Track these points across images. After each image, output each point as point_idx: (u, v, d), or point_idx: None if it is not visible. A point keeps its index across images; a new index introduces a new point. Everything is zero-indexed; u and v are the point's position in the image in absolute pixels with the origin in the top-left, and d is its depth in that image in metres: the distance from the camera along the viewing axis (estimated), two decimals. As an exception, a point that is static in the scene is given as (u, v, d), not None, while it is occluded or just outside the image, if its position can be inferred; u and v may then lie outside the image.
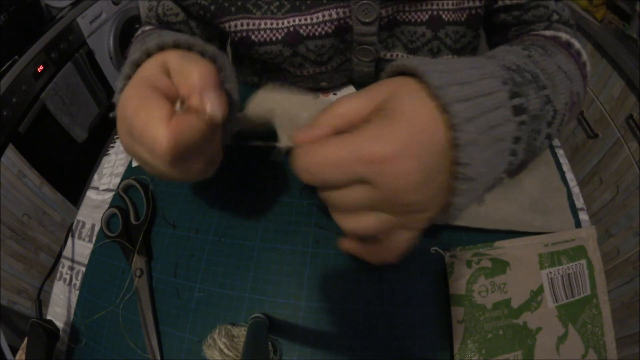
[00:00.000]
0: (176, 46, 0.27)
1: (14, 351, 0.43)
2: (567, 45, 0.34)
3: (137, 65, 0.27)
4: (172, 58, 0.25)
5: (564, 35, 0.35)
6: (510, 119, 0.22)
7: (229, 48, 0.67)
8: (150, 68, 0.26)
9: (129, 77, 0.27)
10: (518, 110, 0.23)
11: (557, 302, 0.34)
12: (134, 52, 0.29)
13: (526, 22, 0.39)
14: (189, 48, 0.28)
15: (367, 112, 0.22)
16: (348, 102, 0.22)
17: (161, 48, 0.27)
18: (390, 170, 0.19)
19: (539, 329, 0.33)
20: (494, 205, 0.36)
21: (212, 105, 0.23)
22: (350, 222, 0.23)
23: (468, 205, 0.22)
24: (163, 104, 0.22)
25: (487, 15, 0.41)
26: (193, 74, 0.24)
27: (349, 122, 0.22)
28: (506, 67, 0.25)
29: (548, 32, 0.36)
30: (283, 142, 0.33)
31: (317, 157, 0.20)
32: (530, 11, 0.39)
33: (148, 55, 0.27)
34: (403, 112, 0.20)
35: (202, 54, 0.28)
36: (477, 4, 0.39)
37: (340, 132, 0.22)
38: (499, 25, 0.42)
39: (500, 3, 0.39)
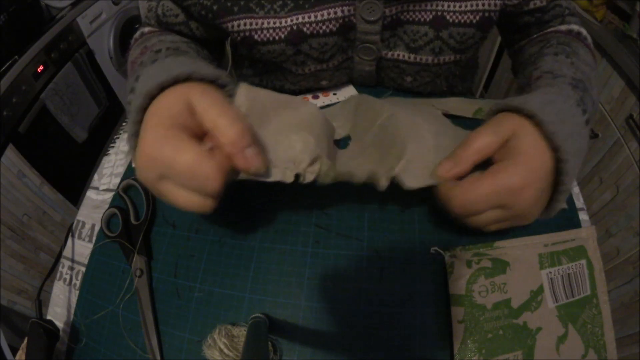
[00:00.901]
0: (175, 81, 0.27)
1: (14, 351, 0.43)
2: (578, 35, 0.42)
3: (144, 109, 0.27)
4: (196, 97, 0.26)
5: (575, 27, 0.43)
6: (586, 135, 0.30)
7: (228, 49, 0.67)
8: (173, 106, 0.26)
9: (139, 123, 0.27)
10: (587, 122, 0.31)
11: (557, 302, 0.34)
12: (138, 70, 0.30)
13: (546, 21, 0.45)
14: (187, 77, 0.28)
15: (497, 146, 0.28)
16: (482, 138, 0.28)
17: (175, 81, 0.27)
18: (521, 197, 0.27)
19: (539, 329, 0.33)
20: None
21: (254, 160, 0.25)
22: (479, 226, 0.30)
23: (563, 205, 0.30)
24: (199, 144, 0.24)
25: (509, 17, 0.45)
26: (227, 130, 0.25)
27: (484, 156, 0.28)
28: (572, 85, 0.32)
29: (563, 27, 0.44)
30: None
31: (472, 196, 0.27)
32: (550, 11, 0.44)
33: (162, 88, 0.27)
34: (526, 152, 0.27)
35: (203, 78, 0.29)
36: (493, 7, 0.40)
37: (476, 164, 0.28)
38: (522, 25, 0.47)
39: (525, 7, 0.43)
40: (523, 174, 0.26)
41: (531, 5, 0.43)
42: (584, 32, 0.43)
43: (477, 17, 0.40)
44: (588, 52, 0.40)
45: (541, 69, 0.36)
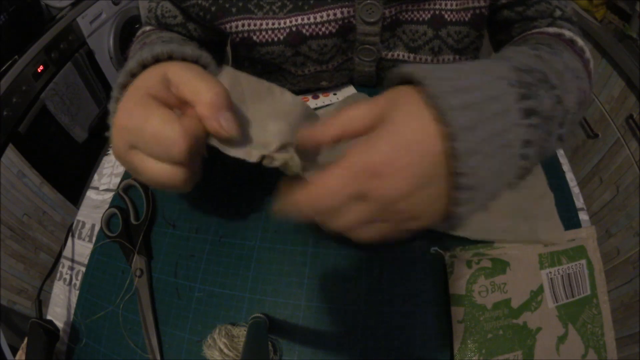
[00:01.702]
0: (170, 57, 0.27)
1: (14, 351, 0.43)
2: (571, 43, 0.34)
3: (132, 75, 0.27)
4: (174, 70, 0.25)
5: (567, 33, 0.35)
6: (518, 123, 0.22)
7: (229, 49, 0.67)
8: (149, 79, 0.26)
9: (124, 86, 0.27)
10: (528, 112, 0.22)
11: (557, 302, 0.34)
12: (131, 57, 0.29)
13: (529, 18, 0.39)
14: (183, 58, 0.28)
15: (369, 121, 0.22)
16: (352, 110, 0.22)
17: (157, 59, 0.27)
18: (381, 180, 0.19)
19: (539, 329, 0.33)
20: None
21: (228, 125, 0.24)
22: (353, 235, 0.23)
23: (472, 214, 0.22)
24: (168, 110, 0.23)
25: (491, 14, 0.41)
26: (204, 93, 0.24)
27: (349, 132, 0.22)
28: (515, 67, 0.24)
29: (551, 29, 0.36)
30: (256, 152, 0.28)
31: (322, 190, 0.20)
32: (533, 7, 0.39)
33: (143, 66, 0.27)
34: (393, 122, 0.20)
35: (196, 62, 0.28)
36: (482, 3, 0.39)
37: (344, 140, 0.22)
38: (503, 22, 0.42)
39: (503, 0, 0.39)
40: (387, 150, 0.19)
41: None
42: (579, 42, 0.34)
43: (469, 15, 0.39)
44: (578, 60, 0.32)
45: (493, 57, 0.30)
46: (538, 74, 0.25)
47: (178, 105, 0.25)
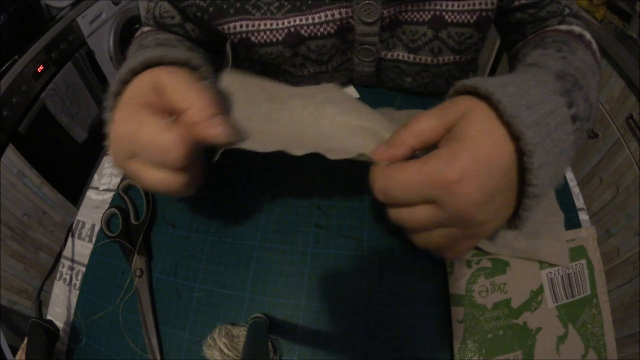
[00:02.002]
0: (161, 61, 0.27)
1: (14, 351, 0.43)
2: (580, 37, 0.37)
3: (124, 82, 0.27)
4: (164, 77, 0.26)
5: (576, 29, 0.38)
6: (570, 132, 0.24)
7: (228, 50, 0.67)
8: (140, 87, 0.26)
9: (117, 94, 0.27)
10: (574, 118, 0.25)
11: (557, 302, 0.34)
12: (123, 64, 0.30)
13: (541, 18, 0.41)
14: (173, 62, 0.28)
15: (441, 131, 0.23)
16: (424, 121, 0.24)
17: (147, 65, 0.27)
18: (457, 192, 0.21)
19: (539, 329, 0.33)
20: None
21: (223, 130, 0.24)
22: (420, 239, 0.25)
23: (533, 217, 0.23)
24: (161, 118, 0.24)
25: (502, 15, 0.42)
26: (195, 100, 0.24)
27: (424, 141, 0.24)
28: (556, 75, 0.26)
29: (563, 27, 0.39)
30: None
31: (395, 182, 0.22)
32: (545, 8, 0.40)
33: (134, 73, 0.27)
34: (471, 138, 0.21)
35: (187, 65, 0.29)
36: (489, 6, 0.39)
37: (416, 150, 0.24)
38: (515, 24, 0.43)
39: (516, 2, 0.40)
40: (461, 165, 0.21)
41: (522, 0, 0.40)
42: (587, 35, 0.37)
43: (475, 17, 0.39)
44: (590, 54, 0.34)
45: (524, 63, 0.32)
46: (571, 77, 0.27)
47: (170, 112, 0.25)
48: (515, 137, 0.21)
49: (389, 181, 0.23)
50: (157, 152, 0.23)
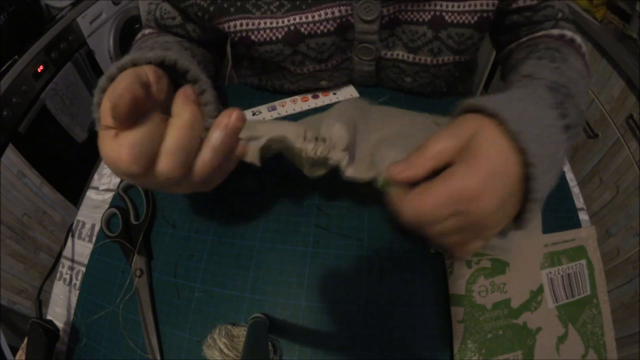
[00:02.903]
0: (148, 63, 0.27)
1: (14, 351, 0.43)
2: (571, 42, 0.40)
3: (111, 79, 0.26)
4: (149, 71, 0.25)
5: (568, 33, 0.40)
6: (563, 140, 0.27)
7: (228, 49, 0.67)
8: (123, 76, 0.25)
9: (104, 91, 0.26)
10: (566, 127, 0.28)
11: (557, 302, 0.34)
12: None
13: (536, 22, 0.42)
14: (161, 63, 0.28)
15: (457, 150, 0.25)
16: (441, 143, 0.25)
17: (135, 64, 0.27)
18: (479, 203, 0.23)
19: (539, 329, 0.33)
20: None
21: (235, 114, 0.24)
22: (438, 240, 0.26)
23: (534, 218, 0.26)
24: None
25: (498, 17, 0.42)
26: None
27: (442, 161, 0.25)
28: (549, 87, 0.30)
29: (555, 31, 0.41)
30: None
31: (426, 205, 0.24)
32: (540, 12, 0.42)
33: (122, 69, 0.26)
34: (486, 153, 0.24)
35: (185, 74, 0.29)
36: (490, 7, 0.39)
37: (434, 170, 0.25)
38: (510, 25, 0.44)
39: (514, 5, 0.41)
40: (481, 178, 0.23)
41: (520, 3, 0.41)
42: (578, 39, 0.40)
43: (475, 18, 0.40)
44: (580, 59, 0.37)
45: (520, 74, 0.34)
46: (564, 89, 0.30)
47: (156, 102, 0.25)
48: (520, 150, 0.23)
49: (421, 206, 0.24)
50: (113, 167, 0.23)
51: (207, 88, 0.31)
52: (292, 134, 0.29)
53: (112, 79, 0.25)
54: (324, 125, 0.31)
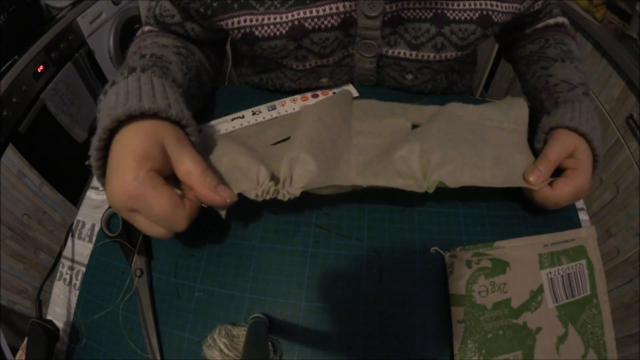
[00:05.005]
0: (142, 114, 0.29)
1: (14, 351, 0.43)
2: (564, 27, 0.50)
3: (110, 130, 0.29)
4: (170, 145, 0.30)
5: (560, 19, 0.50)
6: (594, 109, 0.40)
7: (229, 49, 0.67)
8: (144, 141, 0.29)
9: (102, 140, 0.29)
10: (591, 101, 0.40)
11: (557, 302, 0.34)
12: (115, 92, 0.31)
13: (539, 18, 0.49)
14: (155, 114, 0.30)
15: (564, 158, 0.37)
16: (556, 154, 0.37)
17: (130, 117, 0.29)
18: (585, 191, 0.37)
19: (539, 329, 0.33)
20: (462, 160, 0.35)
21: (230, 196, 0.31)
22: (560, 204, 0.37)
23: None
24: (172, 191, 0.28)
25: (510, 20, 0.45)
26: (201, 179, 0.30)
27: (557, 165, 0.37)
28: (585, 94, 0.41)
29: (552, 21, 0.50)
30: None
31: (563, 198, 0.36)
32: (543, 10, 0.48)
33: (119, 122, 0.29)
34: (586, 162, 0.37)
35: (168, 117, 0.31)
36: (491, 7, 0.41)
37: (553, 170, 0.37)
38: (519, 25, 0.51)
39: (531, 9, 0.47)
40: (587, 177, 0.36)
41: (531, 9, 0.47)
42: (565, 20, 0.50)
43: (477, 14, 0.41)
44: (573, 41, 0.48)
45: (556, 77, 0.43)
46: (586, 86, 0.42)
47: (170, 170, 0.31)
48: (596, 157, 0.38)
49: (560, 197, 0.36)
50: (166, 223, 0.28)
51: (193, 131, 0.34)
52: (247, 176, 0.34)
53: (110, 131, 0.29)
54: (285, 158, 0.34)
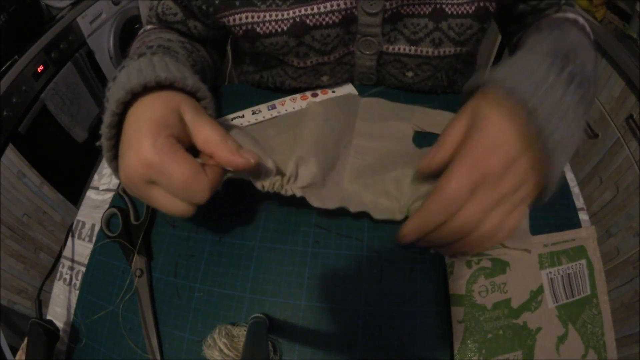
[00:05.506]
0: (158, 83, 0.28)
1: (14, 351, 0.43)
2: (575, 22, 0.41)
3: (124, 103, 0.28)
4: (188, 113, 0.29)
5: (571, 15, 0.42)
6: (567, 91, 0.27)
7: (229, 49, 0.67)
8: (162, 110, 0.28)
9: (116, 115, 0.28)
10: (572, 80, 0.28)
11: (557, 302, 0.34)
12: (129, 65, 0.30)
13: (541, 9, 0.45)
14: (171, 84, 0.29)
15: (465, 130, 0.27)
16: (452, 129, 0.28)
17: (146, 88, 0.28)
18: (493, 158, 0.25)
19: (539, 329, 0.33)
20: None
21: (253, 156, 0.28)
22: (486, 230, 0.27)
23: (558, 177, 0.26)
24: (193, 158, 0.27)
25: (505, 8, 0.44)
26: (217, 142, 0.28)
27: (458, 144, 0.28)
28: (547, 53, 0.30)
29: (559, 15, 0.44)
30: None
31: (452, 184, 0.25)
32: (545, 0, 0.44)
33: (133, 94, 0.28)
34: (488, 115, 0.26)
35: (184, 88, 0.30)
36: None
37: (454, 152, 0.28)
38: (517, 15, 0.47)
39: None
40: (490, 135, 0.25)
41: None
42: (581, 20, 0.41)
43: (473, 8, 0.41)
44: (584, 37, 0.37)
45: (519, 49, 0.35)
46: (561, 53, 0.30)
47: (187, 139, 0.29)
48: (521, 104, 0.25)
49: (447, 188, 0.26)
50: (188, 192, 0.26)
51: (209, 104, 0.33)
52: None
53: (124, 103, 0.28)
54: (294, 156, 0.34)
